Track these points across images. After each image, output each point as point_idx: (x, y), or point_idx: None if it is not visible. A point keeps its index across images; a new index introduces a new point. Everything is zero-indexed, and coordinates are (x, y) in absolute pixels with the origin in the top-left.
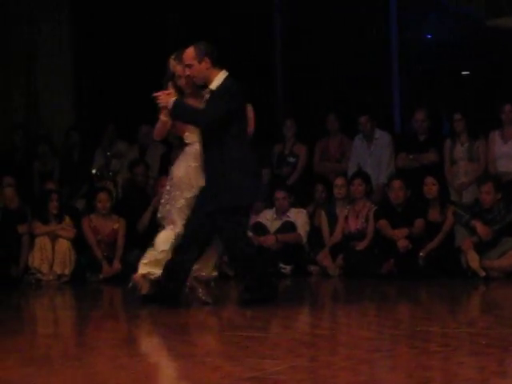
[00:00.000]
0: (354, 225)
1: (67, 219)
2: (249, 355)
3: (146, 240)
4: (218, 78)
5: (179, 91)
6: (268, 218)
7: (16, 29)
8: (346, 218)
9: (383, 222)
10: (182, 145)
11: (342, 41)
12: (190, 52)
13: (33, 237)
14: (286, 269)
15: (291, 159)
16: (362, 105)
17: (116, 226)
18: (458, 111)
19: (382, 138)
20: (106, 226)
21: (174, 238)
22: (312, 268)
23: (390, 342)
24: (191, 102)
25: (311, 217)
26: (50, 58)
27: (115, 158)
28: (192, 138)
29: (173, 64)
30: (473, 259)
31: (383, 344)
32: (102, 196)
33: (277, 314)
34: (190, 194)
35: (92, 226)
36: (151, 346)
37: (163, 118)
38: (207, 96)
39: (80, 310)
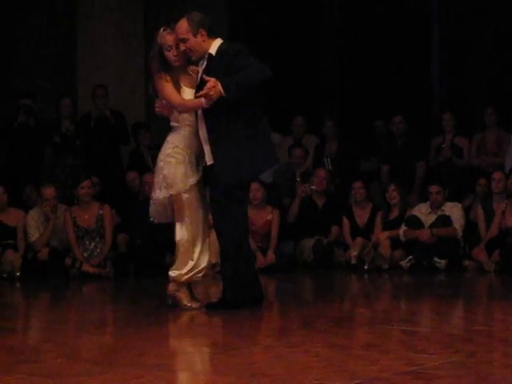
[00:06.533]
0: (511, 220)
1: None
2: (405, 349)
3: (297, 230)
4: (215, 45)
5: (166, 64)
6: (423, 211)
7: None
8: (503, 212)
9: None
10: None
11: (499, 32)
12: (183, 25)
13: None
14: (441, 263)
15: (443, 145)
16: None
17: (269, 216)
18: None
19: None
20: (260, 216)
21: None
22: (467, 263)
23: None
24: (182, 77)
25: (467, 211)
26: None
27: None
28: (182, 120)
29: (163, 35)
30: None
31: None
32: (256, 187)
33: (431, 308)
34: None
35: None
36: (307, 337)
37: (205, 105)
38: (204, 63)
39: None
